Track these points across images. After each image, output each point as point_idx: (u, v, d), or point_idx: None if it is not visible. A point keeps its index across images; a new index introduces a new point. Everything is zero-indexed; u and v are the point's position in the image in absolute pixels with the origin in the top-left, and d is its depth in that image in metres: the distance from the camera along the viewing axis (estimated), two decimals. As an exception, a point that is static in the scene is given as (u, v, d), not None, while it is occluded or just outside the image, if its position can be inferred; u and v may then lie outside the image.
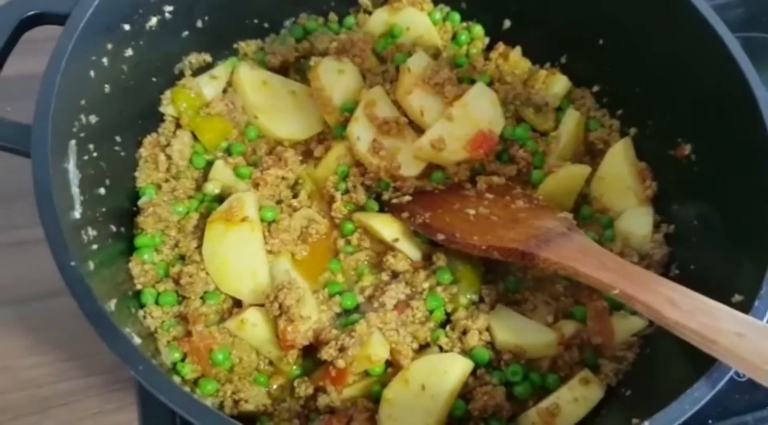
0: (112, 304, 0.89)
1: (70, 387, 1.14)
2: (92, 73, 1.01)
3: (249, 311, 1.06)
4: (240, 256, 1.09)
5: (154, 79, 1.19)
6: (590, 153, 1.28)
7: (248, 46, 1.31)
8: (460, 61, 1.30)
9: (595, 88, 1.31)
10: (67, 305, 1.15)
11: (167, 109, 1.22)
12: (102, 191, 1.04)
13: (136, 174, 1.17)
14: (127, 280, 1.07)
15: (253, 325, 1.05)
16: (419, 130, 1.22)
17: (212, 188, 1.18)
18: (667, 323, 0.87)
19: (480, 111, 1.20)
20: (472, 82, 1.27)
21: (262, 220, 1.13)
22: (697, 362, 0.88)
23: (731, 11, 1.68)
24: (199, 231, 1.13)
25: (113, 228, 1.06)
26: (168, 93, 1.22)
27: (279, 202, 1.19)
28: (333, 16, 1.35)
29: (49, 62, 0.93)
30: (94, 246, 0.95)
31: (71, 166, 0.94)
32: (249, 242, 1.10)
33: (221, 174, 1.20)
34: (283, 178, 1.19)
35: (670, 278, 1.09)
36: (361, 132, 1.20)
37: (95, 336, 1.05)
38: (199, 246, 1.12)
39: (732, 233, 1.04)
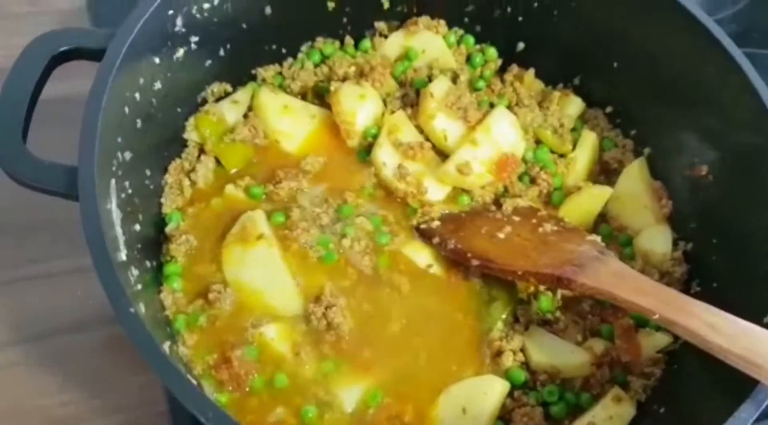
0: (166, 347, 0.89)
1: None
2: (126, 109, 1.00)
3: (266, 326, 1.07)
4: (265, 275, 1.10)
5: (179, 110, 1.19)
6: (605, 173, 1.31)
7: (266, 71, 1.31)
8: (477, 85, 1.32)
9: (609, 109, 1.34)
10: (89, 340, 1.17)
11: (191, 135, 1.22)
12: (137, 227, 1.03)
13: (162, 200, 1.16)
14: (160, 311, 1.07)
15: (272, 339, 1.07)
16: (441, 154, 1.24)
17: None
18: (711, 347, 0.90)
19: (502, 135, 1.22)
20: (491, 105, 1.29)
21: (274, 225, 1.15)
22: (725, 376, 0.91)
23: (724, 27, 1.71)
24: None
25: (148, 264, 1.06)
26: (192, 120, 1.22)
27: None
28: (349, 40, 1.35)
29: (89, 101, 0.92)
30: (139, 286, 0.95)
31: (113, 206, 0.94)
32: (270, 259, 1.11)
33: (233, 198, 1.20)
34: (298, 190, 1.20)
35: (691, 296, 1.15)
36: (386, 158, 1.22)
37: (119, 371, 1.06)
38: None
39: (753, 251, 1.07)
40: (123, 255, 0.92)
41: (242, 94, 1.28)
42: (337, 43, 1.36)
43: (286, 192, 1.19)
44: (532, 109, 1.30)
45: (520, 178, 1.27)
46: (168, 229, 1.14)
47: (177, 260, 1.12)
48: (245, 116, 1.27)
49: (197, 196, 1.19)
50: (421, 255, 1.17)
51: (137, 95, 1.03)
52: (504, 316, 1.13)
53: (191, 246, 1.13)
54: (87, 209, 0.86)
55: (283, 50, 1.32)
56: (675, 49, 1.19)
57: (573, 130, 1.33)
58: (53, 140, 1.01)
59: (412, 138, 1.23)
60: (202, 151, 1.23)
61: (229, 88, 1.27)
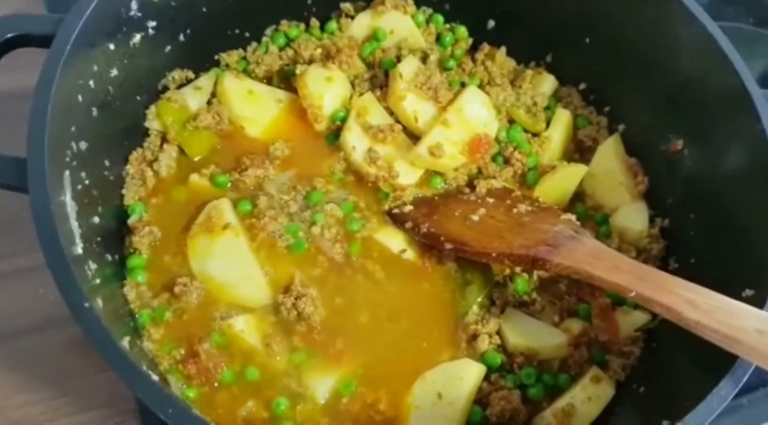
0: (126, 342, 0.86)
1: (67, 423, 1.09)
2: (80, 97, 0.96)
3: (235, 318, 1.05)
4: (232, 265, 1.08)
5: (138, 98, 1.15)
6: (579, 151, 1.29)
7: (230, 56, 1.27)
8: (448, 64, 1.28)
9: (582, 86, 1.32)
10: (53, 339, 1.13)
11: (152, 123, 1.18)
12: (96, 219, 1.00)
13: (123, 191, 1.12)
14: (123, 306, 1.04)
15: (241, 331, 1.04)
16: (413, 136, 1.21)
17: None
18: (688, 323, 0.88)
19: (474, 115, 1.19)
20: (462, 85, 1.26)
21: (241, 214, 1.12)
22: (704, 353, 0.89)
23: (698, 2, 1.71)
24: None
25: (108, 257, 1.02)
26: (153, 108, 1.18)
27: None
28: (314, 22, 1.32)
29: (37, 90, 0.88)
30: (97, 280, 0.92)
31: (68, 198, 0.90)
32: (237, 249, 1.08)
33: (197, 187, 1.16)
34: (265, 178, 1.17)
35: (669, 272, 1.13)
36: (355, 141, 1.18)
37: (85, 369, 1.03)
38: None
39: (731, 225, 1.06)
40: (79, 249, 0.88)
41: (205, 81, 1.24)
42: (303, 26, 1.32)
43: (252, 180, 1.16)
44: (504, 88, 1.27)
45: (493, 159, 1.24)
46: (130, 221, 1.11)
47: (141, 253, 1.08)
48: (209, 102, 1.24)
49: (160, 186, 1.15)
50: (393, 241, 1.14)
51: (91, 83, 0.99)
52: (479, 299, 1.11)
53: (155, 238, 1.10)
54: (37, 201, 0.82)
55: (247, 34, 1.28)
56: (647, 24, 1.16)
57: (547, 108, 1.31)
58: (1, 135, 0.97)
59: (382, 120, 1.20)
60: (164, 139, 1.19)
61: (191, 74, 1.23)
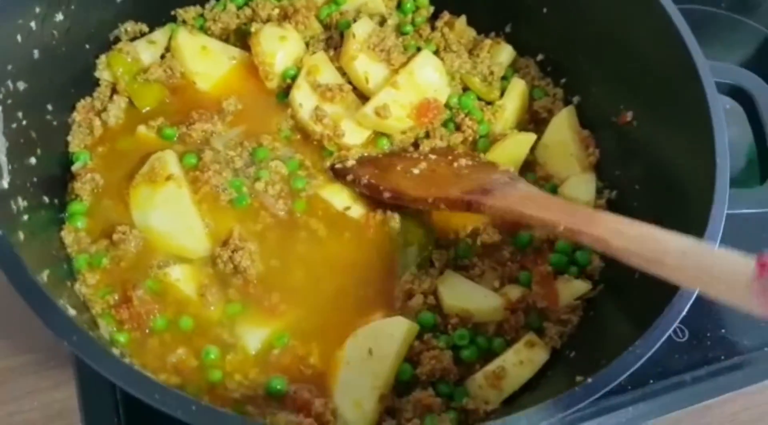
0: (44, 275, 0.86)
1: (4, 365, 1.09)
2: (19, 37, 0.96)
3: (172, 267, 1.05)
4: (173, 215, 1.08)
5: (87, 46, 1.15)
6: (534, 121, 1.29)
7: (187, 12, 1.27)
8: (405, 29, 1.28)
9: (540, 58, 1.32)
10: None
11: (103, 74, 1.18)
12: (33, 160, 1.00)
13: (69, 139, 1.12)
14: (59, 249, 1.04)
15: (176, 280, 1.04)
16: (364, 97, 1.21)
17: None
18: (616, 251, 0.88)
19: (425, 79, 1.19)
20: (418, 50, 1.25)
21: (185, 167, 1.12)
22: (638, 323, 0.89)
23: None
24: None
25: (45, 199, 1.02)
26: (103, 58, 1.18)
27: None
28: (274, -18, 1.32)
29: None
30: (25, 217, 0.91)
31: (-1, 132, 0.90)
32: (179, 200, 1.08)
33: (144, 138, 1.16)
34: (212, 133, 1.16)
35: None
36: (303, 99, 1.18)
37: (26, 312, 1.02)
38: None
39: (673, 195, 1.06)
40: (5, 183, 0.88)
41: (160, 35, 1.24)
42: (262, -15, 1.32)
43: (199, 134, 1.16)
44: (460, 55, 1.27)
45: (444, 124, 1.24)
46: (74, 167, 1.11)
47: (82, 199, 1.08)
48: (162, 57, 1.23)
49: (106, 135, 1.15)
50: (338, 198, 1.14)
51: (33, 24, 0.98)
52: (419, 261, 1.11)
53: (97, 185, 1.10)
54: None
55: (195, -6, 1.28)
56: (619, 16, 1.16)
57: (504, 79, 1.30)
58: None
59: (333, 80, 1.20)
60: (114, 90, 1.18)
61: (145, 28, 1.23)
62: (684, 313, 0.88)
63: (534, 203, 0.99)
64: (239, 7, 1.29)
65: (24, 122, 0.97)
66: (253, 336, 1.03)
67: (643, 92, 1.14)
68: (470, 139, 1.23)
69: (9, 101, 0.94)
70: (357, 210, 1.14)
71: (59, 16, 1.04)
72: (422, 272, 1.11)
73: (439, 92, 1.20)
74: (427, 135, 1.22)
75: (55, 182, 1.08)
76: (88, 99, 1.16)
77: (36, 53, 1.00)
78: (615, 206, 1.17)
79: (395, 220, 1.13)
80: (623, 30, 1.15)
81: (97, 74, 1.17)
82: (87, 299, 1.01)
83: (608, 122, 1.19)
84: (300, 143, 1.19)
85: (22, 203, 0.92)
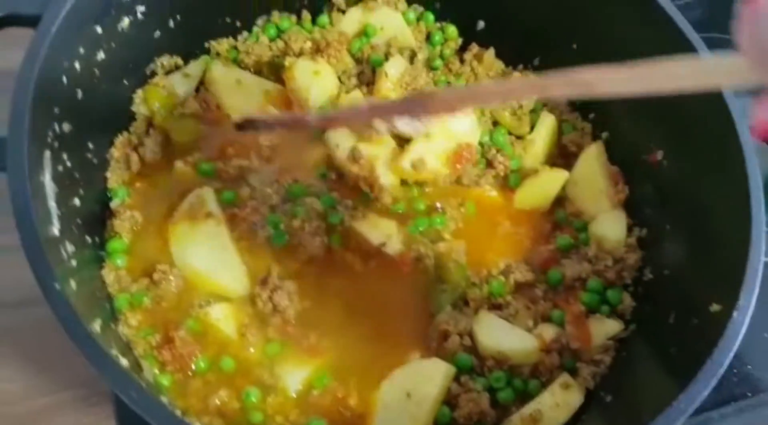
0: (96, 325, 0.86)
1: (44, 403, 1.09)
2: (65, 79, 0.96)
3: (213, 306, 1.05)
4: (213, 254, 1.08)
5: (125, 82, 1.15)
6: (563, 156, 1.29)
7: (220, 44, 1.27)
8: (435, 64, 1.29)
9: (568, 91, 1.32)
10: (33, 316, 1.13)
11: (139, 108, 1.18)
12: (77, 201, 1.00)
13: (107, 175, 1.13)
14: (101, 289, 1.04)
15: (217, 320, 1.05)
16: (396, 135, 1.21)
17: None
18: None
19: (456, 123, 1.19)
20: (448, 85, 1.26)
21: (223, 204, 1.12)
22: (673, 368, 0.90)
23: (691, 12, 1.71)
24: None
25: (88, 239, 1.03)
26: (140, 92, 1.18)
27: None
28: (306, 15, 1.32)
29: (21, 70, 0.88)
30: (73, 262, 0.92)
31: (47, 179, 0.90)
32: (218, 238, 1.09)
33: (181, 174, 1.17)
34: (249, 169, 1.17)
35: (643, 283, 1.14)
36: (340, 140, 1.19)
37: (65, 348, 1.02)
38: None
39: (705, 238, 1.07)
40: (56, 230, 0.89)
41: (194, 67, 1.24)
42: (294, 18, 1.32)
43: (236, 170, 1.16)
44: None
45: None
46: (113, 204, 1.11)
47: (121, 237, 1.09)
48: (197, 89, 1.24)
49: (144, 170, 1.16)
50: (374, 233, 1.15)
51: (77, 65, 0.99)
52: (453, 299, 1.12)
53: (137, 223, 1.10)
54: (15, 181, 0.82)
55: (238, 23, 1.28)
56: (635, 36, 1.16)
57: (532, 112, 1.31)
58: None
59: None
60: (150, 124, 1.19)
61: (179, 61, 1.23)
62: (725, 366, 0.89)
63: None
64: (272, 40, 1.29)
65: (69, 164, 0.98)
66: (293, 377, 1.04)
67: (672, 131, 1.15)
68: (502, 174, 1.24)
69: (56, 144, 0.94)
70: (392, 247, 1.15)
71: (101, 55, 1.04)
72: (457, 311, 1.11)
73: (470, 135, 1.21)
74: (459, 179, 1.23)
75: (95, 220, 1.08)
76: (126, 134, 1.17)
77: (79, 93, 1.01)
78: (645, 245, 1.18)
79: (430, 257, 1.14)
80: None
81: (134, 108, 1.18)
82: (130, 339, 1.01)
83: (638, 160, 1.20)
84: (335, 181, 1.20)
85: (69, 247, 0.92)
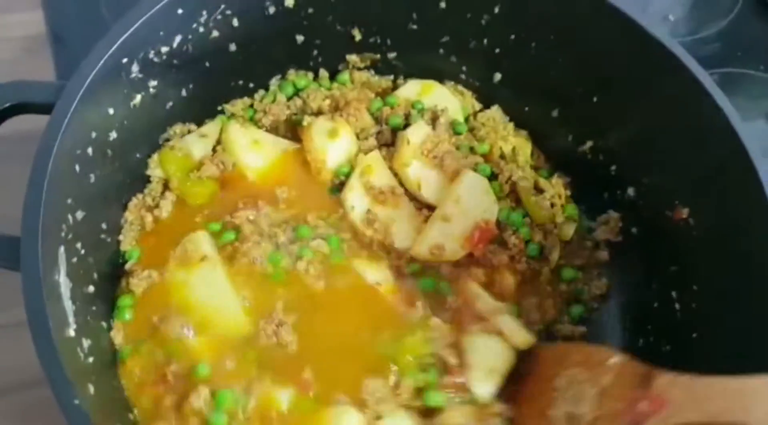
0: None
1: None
2: (77, 167, 0.95)
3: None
4: (209, 295, 1.06)
5: (138, 155, 1.13)
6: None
7: (234, 106, 1.25)
8: (458, 129, 1.26)
9: (589, 144, 1.29)
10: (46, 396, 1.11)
11: (154, 172, 1.17)
12: (91, 288, 0.99)
13: (120, 238, 1.11)
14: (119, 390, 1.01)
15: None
16: (415, 199, 1.19)
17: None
18: None
19: (474, 202, 1.16)
20: (471, 150, 1.24)
21: (224, 241, 1.11)
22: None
23: (708, 46, 1.69)
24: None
25: (104, 324, 1.01)
26: (155, 156, 1.17)
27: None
28: (323, 73, 1.30)
29: (34, 169, 0.86)
30: (90, 360, 0.90)
31: (62, 277, 0.89)
32: (214, 280, 1.07)
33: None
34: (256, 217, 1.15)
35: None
36: (356, 201, 1.17)
37: None
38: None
39: (727, 308, 1.03)
40: (72, 330, 0.87)
41: (211, 128, 1.23)
42: (311, 75, 1.30)
43: (242, 220, 1.14)
44: (510, 159, 1.26)
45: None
46: (128, 266, 1.10)
47: (134, 294, 1.07)
48: (213, 149, 1.21)
49: (156, 228, 1.14)
50: (370, 272, 1.13)
51: (90, 150, 0.97)
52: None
53: (153, 281, 1.08)
54: (29, 288, 0.81)
55: (251, 85, 1.26)
56: (658, 92, 1.12)
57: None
58: (10, 178, 0.95)
59: (386, 182, 1.18)
60: (165, 186, 1.17)
61: (193, 127, 1.21)
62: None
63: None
64: (289, 98, 1.27)
65: (83, 252, 0.96)
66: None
67: (700, 192, 1.12)
68: (517, 257, 1.19)
69: (70, 236, 0.93)
70: (386, 286, 1.12)
71: (113, 134, 1.03)
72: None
73: (488, 212, 1.18)
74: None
75: (109, 297, 1.06)
76: (140, 196, 1.15)
77: (92, 177, 0.99)
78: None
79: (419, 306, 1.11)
80: (680, 128, 1.12)
81: (149, 173, 1.16)
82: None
83: (662, 215, 1.16)
84: (349, 239, 1.17)
85: (86, 343, 0.91)
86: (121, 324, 1.05)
